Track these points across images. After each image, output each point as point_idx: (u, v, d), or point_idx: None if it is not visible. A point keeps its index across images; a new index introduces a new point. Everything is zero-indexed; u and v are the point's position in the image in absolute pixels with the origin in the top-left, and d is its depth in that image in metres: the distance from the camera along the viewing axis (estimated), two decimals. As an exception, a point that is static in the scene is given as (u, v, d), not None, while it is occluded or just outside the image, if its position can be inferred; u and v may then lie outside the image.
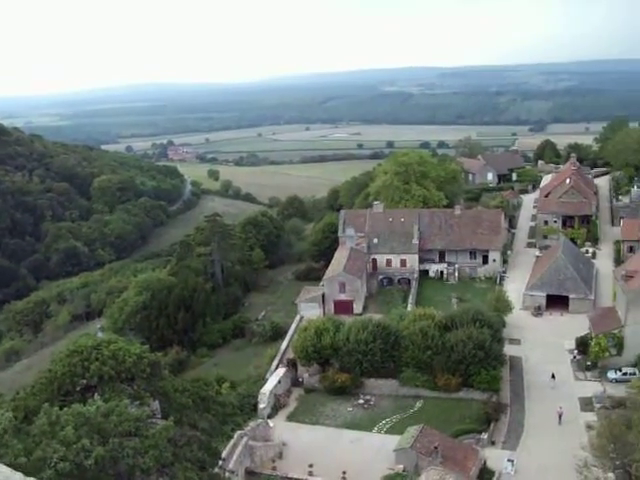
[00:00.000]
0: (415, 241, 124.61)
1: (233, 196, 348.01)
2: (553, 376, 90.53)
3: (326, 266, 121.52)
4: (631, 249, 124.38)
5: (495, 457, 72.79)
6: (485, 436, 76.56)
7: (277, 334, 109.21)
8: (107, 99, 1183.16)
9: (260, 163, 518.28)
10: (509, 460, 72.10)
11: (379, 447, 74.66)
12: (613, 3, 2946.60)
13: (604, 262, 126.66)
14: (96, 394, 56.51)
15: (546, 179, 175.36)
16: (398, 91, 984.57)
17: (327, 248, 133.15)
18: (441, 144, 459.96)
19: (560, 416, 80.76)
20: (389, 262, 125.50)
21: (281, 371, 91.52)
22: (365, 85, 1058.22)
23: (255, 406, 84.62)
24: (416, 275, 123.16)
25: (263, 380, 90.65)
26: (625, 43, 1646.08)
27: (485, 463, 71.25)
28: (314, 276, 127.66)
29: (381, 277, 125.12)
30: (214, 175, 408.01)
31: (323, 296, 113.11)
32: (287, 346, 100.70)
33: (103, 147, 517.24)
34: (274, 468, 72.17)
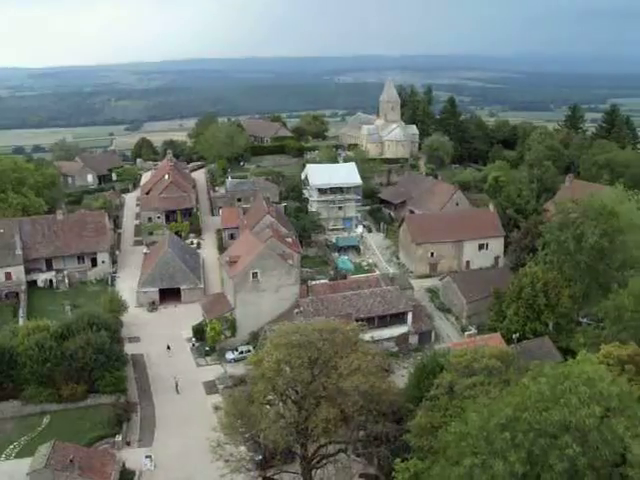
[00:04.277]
0: (18, 252, 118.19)
1: None
2: (168, 347, 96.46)
3: None
4: (232, 236, 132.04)
5: (133, 457, 73.32)
6: (119, 438, 76.43)
7: None
8: None
9: None
10: (147, 456, 73.11)
11: (11, 475, 69.88)
12: (200, 6, 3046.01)
13: (209, 251, 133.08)
14: None
15: (146, 177, 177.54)
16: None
17: None
18: (37, 148, 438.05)
19: (177, 385, 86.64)
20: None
21: None
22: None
23: None
24: (24, 287, 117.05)
25: None
26: (214, 43, 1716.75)
27: (124, 465, 71.24)
28: None
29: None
30: None
31: None
32: None
33: None
34: None
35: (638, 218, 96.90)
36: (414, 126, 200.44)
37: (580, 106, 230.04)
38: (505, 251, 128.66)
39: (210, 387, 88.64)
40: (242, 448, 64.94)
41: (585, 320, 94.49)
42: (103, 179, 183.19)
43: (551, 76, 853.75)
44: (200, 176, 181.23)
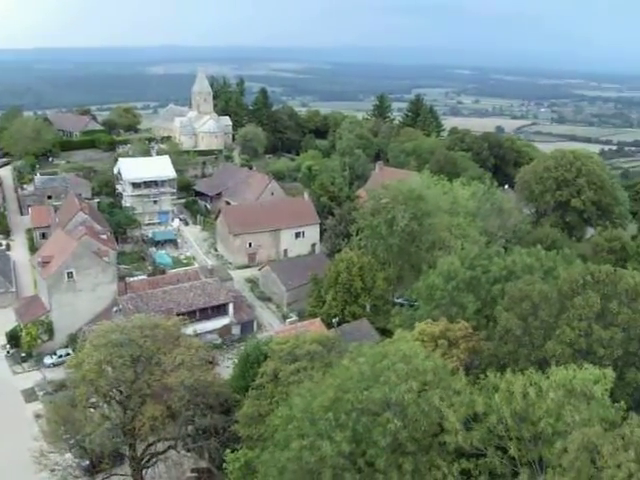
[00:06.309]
0: None
1: None
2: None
3: None
4: (44, 235, 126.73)
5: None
6: None
7: None
8: None
9: None
10: (-38, 475, 69.07)
11: None
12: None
13: (20, 252, 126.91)
14: None
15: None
16: None
17: None
18: None
19: None
20: None
21: None
22: None
23: None
24: None
25: None
26: (8, 31, 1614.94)
27: None
28: None
29: None
30: None
31: None
32: None
33: None
34: None
35: (444, 201, 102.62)
36: (227, 117, 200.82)
37: (387, 96, 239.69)
38: (321, 238, 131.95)
39: (29, 395, 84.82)
40: (68, 455, 62.90)
41: (400, 301, 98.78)
42: None
43: (358, 67, 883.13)
44: (6, 173, 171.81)
